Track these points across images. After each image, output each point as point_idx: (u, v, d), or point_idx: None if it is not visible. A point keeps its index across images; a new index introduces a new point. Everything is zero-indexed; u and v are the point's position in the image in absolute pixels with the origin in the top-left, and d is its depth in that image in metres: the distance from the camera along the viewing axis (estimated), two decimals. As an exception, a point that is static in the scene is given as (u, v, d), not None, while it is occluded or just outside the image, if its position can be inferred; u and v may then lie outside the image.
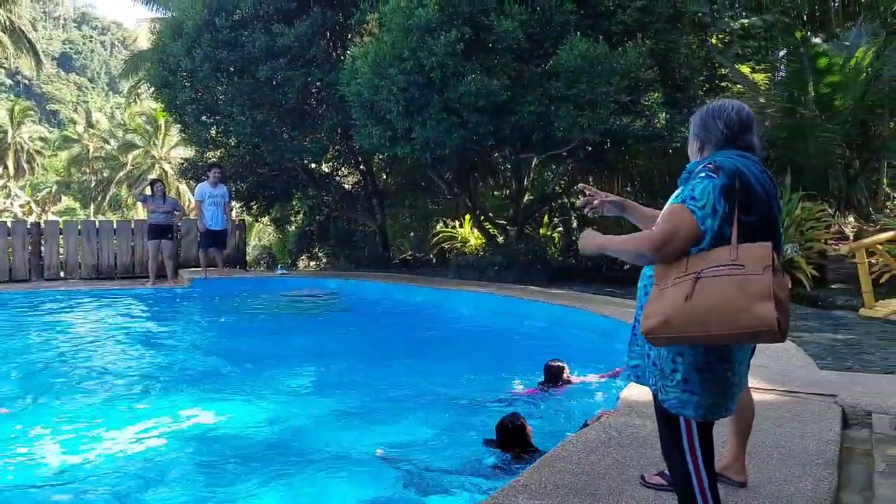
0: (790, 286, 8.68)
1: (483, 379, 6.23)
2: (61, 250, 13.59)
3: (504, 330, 8.23)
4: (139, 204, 47.34)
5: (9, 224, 13.94)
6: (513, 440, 4.36)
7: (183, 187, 43.73)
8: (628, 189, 14.40)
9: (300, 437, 4.98)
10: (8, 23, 27.25)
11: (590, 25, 9.80)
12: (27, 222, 14.71)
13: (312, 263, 18.80)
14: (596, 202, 3.00)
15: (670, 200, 2.49)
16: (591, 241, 2.67)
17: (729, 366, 2.37)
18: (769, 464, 3.28)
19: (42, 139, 57.13)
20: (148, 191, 12.73)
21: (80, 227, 13.80)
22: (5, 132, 52.54)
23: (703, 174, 2.38)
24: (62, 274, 13.46)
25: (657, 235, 2.36)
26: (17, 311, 10.61)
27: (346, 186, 17.25)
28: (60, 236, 13.51)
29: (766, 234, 2.33)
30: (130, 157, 47.13)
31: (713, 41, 12.63)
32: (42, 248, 13.51)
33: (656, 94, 9.44)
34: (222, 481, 4.22)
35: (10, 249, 13.28)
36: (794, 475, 3.15)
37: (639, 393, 4.43)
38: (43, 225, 14.04)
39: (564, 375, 5.77)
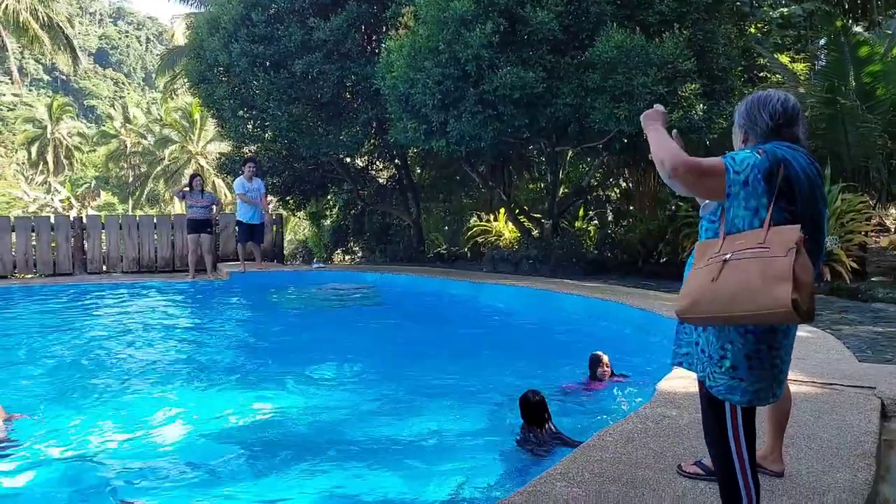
0: (829, 278, 8.59)
1: (520, 371, 6.26)
2: (103, 244, 13.89)
3: (540, 323, 8.23)
4: (177, 199, 48.05)
5: (52, 219, 14.26)
6: (535, 414, 4.46)
7: (219, 182, 44.29)
8: (663, 182, 14.30)
9: (338, 429, 5.03)
10: (46, 19, 27.72)
11: (626, 16, 9.75)
12: (70, 217, 15.04)
13: (347, 257, 18.96)
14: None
15: None
16: (647, 122, 2.66)
17: (777, 352, 2.40)
18: (806, 454, 3.27)
19: (80, 135, 58.11)
20: (187, 186, 12.96)
21: (121, 222, 14.09)
22: (44, 128, 53.59)
23: (749, 150, 2.39)
24: (104, 267, 13.76)
25: (683, 158, 2.34)
26: (60, 303, 10.88)
27: (381, 180, 17.38)
28: (102, 230, 13.79)
29: (809, 226, 2.33)
30: (167, 152, 47.79)
31: (752, 31, 12.47)
32: (85, 243, 13.82)
33: (694, 86, 9.35)
34: (260, 472, 4.30)
35: (55, 244, 13.60)
36: (832, 466, 3.14)
37: (675, 384, 4.44)
38: (85, 220, 14.34)
39: (601, 369, 5.76)
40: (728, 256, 2.25)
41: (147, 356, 7.38)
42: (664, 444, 3.42)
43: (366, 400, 5.69)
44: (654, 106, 2.77)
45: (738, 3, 11.54)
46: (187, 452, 4.58)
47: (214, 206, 13.05)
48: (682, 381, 4.44)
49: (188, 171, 45.95)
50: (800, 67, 12.80)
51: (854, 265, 8.72)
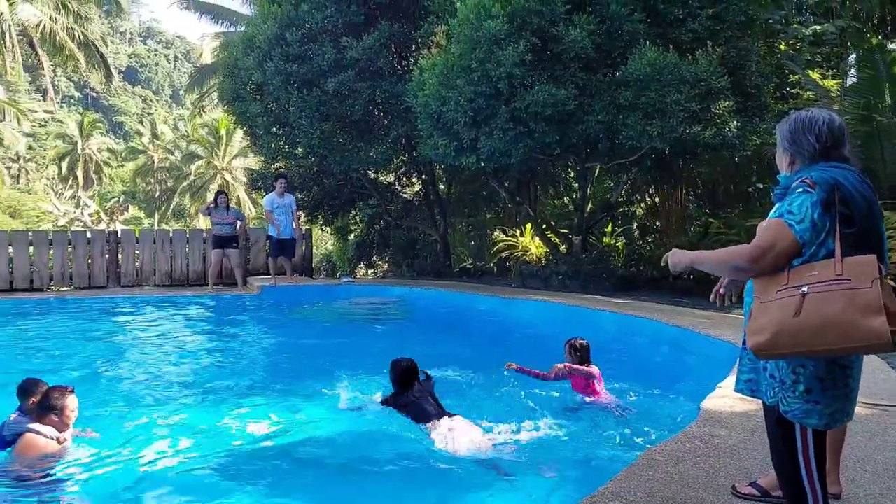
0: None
1: (552, 387, 6.24)
2: (137, 258, 14.08)
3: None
4: (201, 215, 48.54)
5: (88, 233, 14.49)
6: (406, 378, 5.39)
7: (244, 196, 44.68)
8: (691, 198, 14.26)
9: (369, 443, 5.05)
10: (82, 38, 28.21)
11: (659, 34, 9.77)
12: (105, 231, 15.27)
13: (370, 271, 19.04)
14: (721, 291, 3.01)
15: (769, 216, 2.51)
16: (681, 257, 2.71)
17: (850, 371, 2.40)
18: (862, 476, 3.26)
19: (109, 150, 59.01)
20: (212, 203, 13.19)
21: (154, 236, 14.29)
22: (75, 144, 54.47)
23: (800, 189, 2.38)
24: (138, 281, 13.94)
25: (754, 248, 2.38)
26: (94, 315, 11.05)
27: (407, 196, 17.48)
28: (136, 244, 13.99)
29: (870, 245, 2.34)
30: (193, 167, 48.36)
31: (783, 48, 12.44)
32: (119, 256, 14.02)
33: (727, 103, 9.34)
34: (288, 486, 4.36)
35: (90, 257, 13.81)
36: (889, 489, 3.13)
37: (719, 403, 4.43)
38: (120, 234, 14.55)
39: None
40: (805, 290, 2.23)
41: (176, 369, 7.48)
42: (715, 464, 3.42)
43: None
44: (663, 259, 2.87)
45: (769, 21, 11.53)
46: (212, 465, 4.62)
47: (239, 223, 13.21)
48: (726, 401, 4.44)
49: (213, 187, 46.49)
50: (830, 84, 12.73)
51: (893, 285, 8.62)
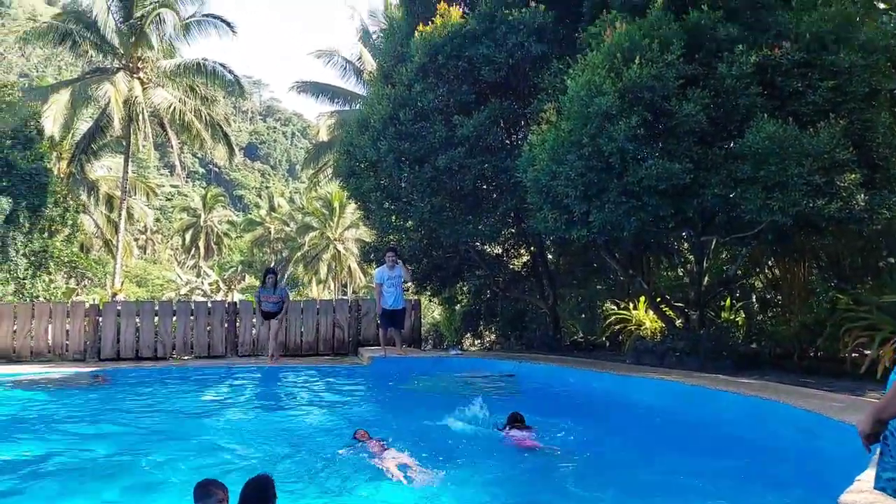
0: None
1: (670, 481, 5.98)
2: (253, 328, 14.61)
3: (696, 423, 7.86)
4: (313, 285, 49.92)
5: (209, 304, 15.18)
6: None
7: (354, 266, 45.81)
8: (814, 270, 13.61)
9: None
10: (208, 118, 30.17)
11: (777, 107, 9.54)
12: (225, 302, 15.95)
13: (477, 342, 19.00)
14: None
15: None
16: (863, 421, 2.58)
17: None
18: None
19: (230, 222, 62.13)
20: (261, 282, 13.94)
21: (270, 308, 14.79)
22: (198, 216, 57.65)
23: None
24: (253, 350, 14.43)
25: None
26: (215, 385, 11.49)
27: (515, 267, 17.50)
28: (254, 315, 14.52)
29: None
30: (307, 238, 50.19)
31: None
32: (237, 326, 14.59)
33: (853, 175, 8.96)
34: None
35: (210, 327, 14.43)
36: None
37: (859, 499, 4.12)
38: (238, 304, 15.16)
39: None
40: None
41: (289, 437, 7.62)
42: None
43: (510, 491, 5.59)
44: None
45: (895, 91, 11.07)
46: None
47: (284, 302, 13.55)
48: (866, 496, 4.11)
49: (326, 257, 48.00)
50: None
51: None
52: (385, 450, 6.58)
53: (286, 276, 51.80)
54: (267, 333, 13.55)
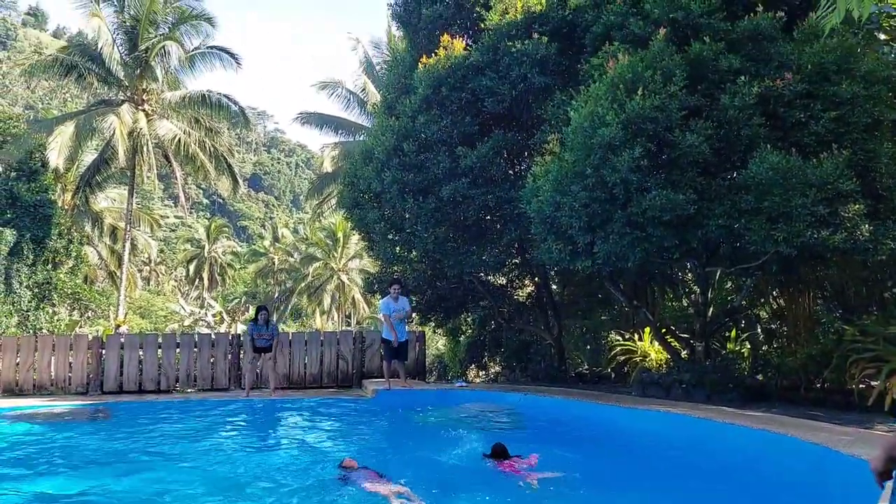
0: None
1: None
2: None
3: (704, 457, 7.76)
4: (316, 315, 49.77)
5: (212, 336, 15.12)
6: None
7: (357, 296, 45.74)
8: (819, 301, 13.55)
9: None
10: (212, 150, 30.32)
11: (779, 137, 9.57)
12: (228, 334, 15.90)
13: (482, 373, 18.89)
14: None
15: None
16: (878, 457, 2.53)
17: None
18: None
19: (234, 253, 62.20)
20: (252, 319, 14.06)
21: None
22: (202, 247, 57.76)
23: None
24: (257, 383, 14.33)
25: None
26: (221, 418, 11.38)
27: (520, 298, 17.44)
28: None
29: None
30: (311, 268, 50.19)
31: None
32: (241, 358, 14.52)
33: (857, 206, 8.94)
34: None
35: (213, 359, 14.36)
36: None
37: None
38: (242, 336, 15.11)
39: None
40: None
41: (302, 472, 7.52)
42: None
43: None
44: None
45: (898, 120, 11.09)
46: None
47: (275, 339, 13.64)
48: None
49: (330, 287, 47.96)
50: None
51: None
52: (381, 478, 6.53)
53: (290, 307, 51.75)
54: (251, 367, 13.68)
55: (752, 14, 10.10)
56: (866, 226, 8.99)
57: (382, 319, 13.17)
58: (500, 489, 6.73)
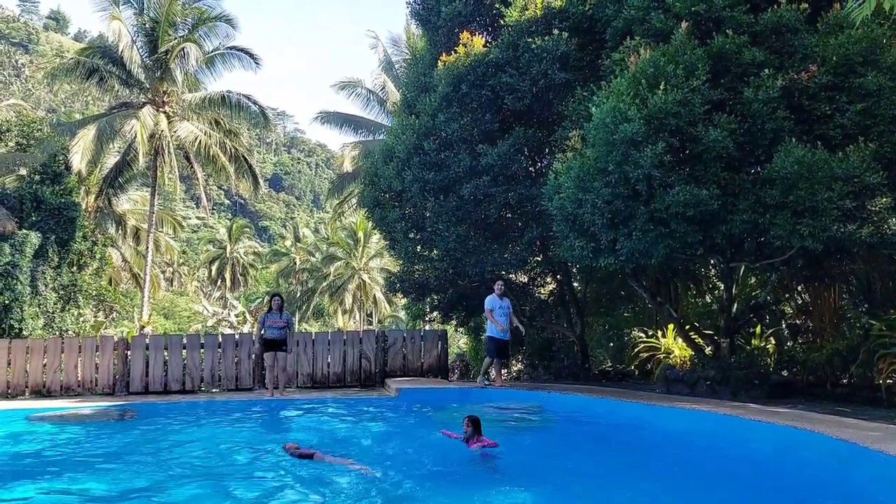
0: None
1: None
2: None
3: (732, 455, 7.68)
4: (338, 314, 49.96)
5: (237, 336, 15.20)
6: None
7: (379, 295, 45.80)
8: (845, 296, 13.39)
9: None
10: (232, 151, 30.46)
11: (805, 131, 9.46)
12: (252, 334, 15.97)
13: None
14: None
15: None
16: None
17: None
18: None
19: (255, 253, 62.49)
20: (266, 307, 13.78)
21: (298, 339, 14.77)
22: (224, 248, 58.11)
23: None
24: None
25: None
26: (247, 418, 11.44)
27: (542, 295, 17.39)
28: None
29: None
30: (332, 268, 50.36)
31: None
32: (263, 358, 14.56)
33: (884, 199, 8.82)
34: None
35: (237, 359, 14.44)
36: None
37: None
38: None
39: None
40: None
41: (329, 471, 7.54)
42: None
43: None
44: None
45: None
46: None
47: (288, 328, 13.29)
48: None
49: (352, 287, 48.12)
50: None
51: None
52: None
53: (311, 307, 51.95)
54: (273, 366, 13.11)
55: (775, 6, 9.98)
56: (893, 219, 8.88)
57: (487, 316, 13.10)
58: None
